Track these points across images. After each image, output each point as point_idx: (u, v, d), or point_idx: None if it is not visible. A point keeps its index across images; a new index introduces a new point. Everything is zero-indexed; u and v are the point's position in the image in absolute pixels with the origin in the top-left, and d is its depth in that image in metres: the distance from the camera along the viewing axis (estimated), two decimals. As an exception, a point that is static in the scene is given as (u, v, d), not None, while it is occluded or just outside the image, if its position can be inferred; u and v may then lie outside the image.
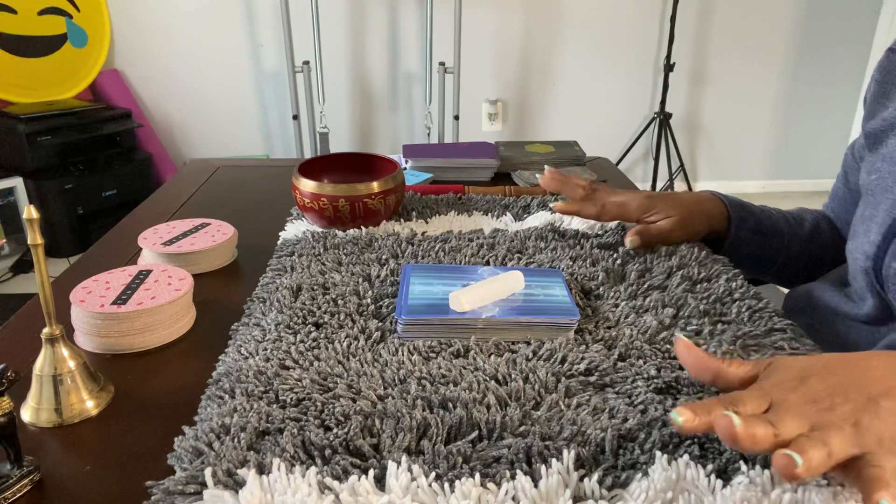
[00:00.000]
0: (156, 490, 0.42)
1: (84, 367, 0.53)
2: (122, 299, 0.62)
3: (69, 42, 2.69)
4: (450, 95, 2.88)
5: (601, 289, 0.69)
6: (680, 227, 0.77)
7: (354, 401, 0.50)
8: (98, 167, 2.60)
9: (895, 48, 0.70)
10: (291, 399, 0.50)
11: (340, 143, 3.12)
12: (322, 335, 0.59)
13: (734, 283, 0.69)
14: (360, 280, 0.69)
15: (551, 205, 0.85)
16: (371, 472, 0.43)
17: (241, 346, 0.58)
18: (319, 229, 0.83)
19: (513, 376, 0.53)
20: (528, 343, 0.59)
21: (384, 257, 0.74)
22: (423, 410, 0.49)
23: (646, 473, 0.43)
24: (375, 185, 0.81)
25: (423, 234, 0.83)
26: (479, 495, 0.41)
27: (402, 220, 0.88)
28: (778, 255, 0.83)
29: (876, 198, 0.66)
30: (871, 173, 0.68)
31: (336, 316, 0.62)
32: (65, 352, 0.52)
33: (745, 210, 0.82)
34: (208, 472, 0.42)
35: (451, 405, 0.49)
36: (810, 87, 3.27)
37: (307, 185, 0.81)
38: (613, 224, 0.85)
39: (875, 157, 0.69)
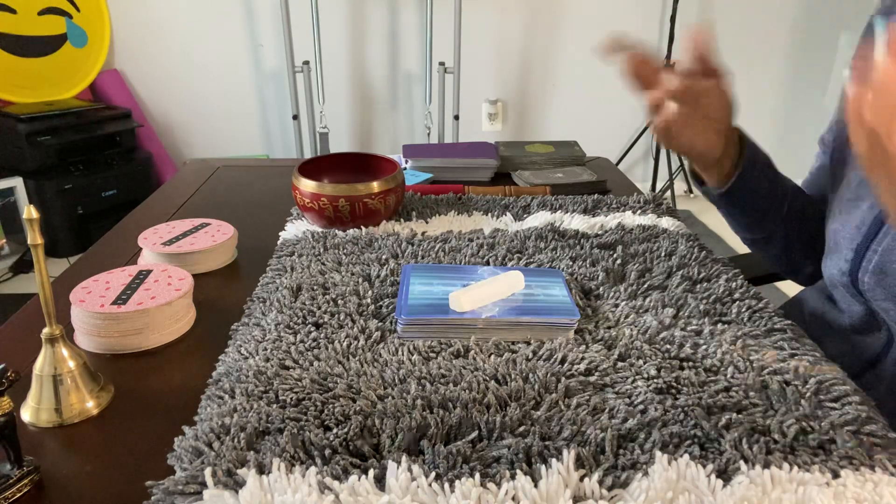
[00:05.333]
0: (156, 490, 0.42)
1: (84, 367, 0.53)
2: (122, 299, 0.62)
3: (69, 42, 2.69)
4: (450, 95, 2.87)
5: (601, 289, 0.69)
6: (715, 111, 0.73)
7: (354, 401, 0.50)
8: (98, 167, 2.60)
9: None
10: (291, 399, 0.50)
11: (340, 143, 3.12)
12: (322, 335, 0.59)
13: (734, 283, 0.69)
14: (360, 280, 0.69)
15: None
16: (371, 472, 0.43)
17: (241, 346, 0.58)
18: (319, 229, 0.83)
19: (513, 376, 0.53)
20: (528, 343, 0.59)
21: (384, 257, 0.74)
22: (423, 410, 0.49)
23: (646, 473, 0.43)
24: (375, 185, 0.81)
25: (423, 234, 0.83)
26: (479, 495, 0.41)
27: (402, 220, 0.88)
28: (784, 198, 0.80)
29: (850, 214, 0.68)
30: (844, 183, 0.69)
31: (336, 316, 0.62)
32: (65, 352, 0.52)
33: (756, 147, 0.79)
34: (208, 472, 0.42)
35: (450, 405, 0.49)
36: (810, 87, 3.27)
37: (307, 185, 0.81)
38: (614, 224, 0.85)
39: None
